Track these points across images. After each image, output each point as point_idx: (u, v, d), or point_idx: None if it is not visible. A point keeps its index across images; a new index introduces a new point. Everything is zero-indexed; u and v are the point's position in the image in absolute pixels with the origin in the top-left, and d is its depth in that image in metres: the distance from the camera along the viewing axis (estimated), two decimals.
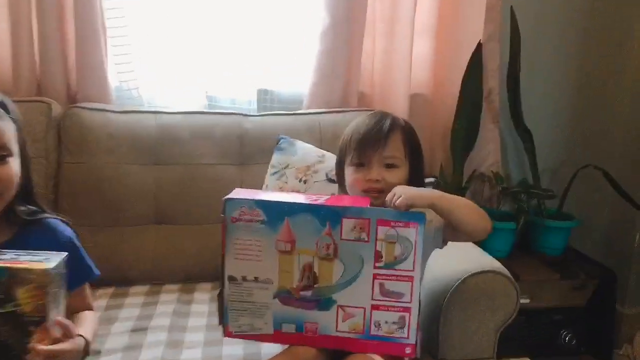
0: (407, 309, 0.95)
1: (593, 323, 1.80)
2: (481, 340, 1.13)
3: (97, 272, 1.08)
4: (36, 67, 1.56)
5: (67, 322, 0.87)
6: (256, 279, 0.96)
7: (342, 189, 1.15)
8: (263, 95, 1.77)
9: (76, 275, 0.97)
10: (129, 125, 1.49)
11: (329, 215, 0.93)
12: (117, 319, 1.25)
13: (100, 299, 1.34)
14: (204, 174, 1.49)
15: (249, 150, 1.54)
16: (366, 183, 1.04)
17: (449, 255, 1.17)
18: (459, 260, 1.18)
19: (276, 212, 0.94)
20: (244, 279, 0.97)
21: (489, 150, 1.85)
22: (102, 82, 1.57)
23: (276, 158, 1.47)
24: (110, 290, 1.40)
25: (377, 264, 0.93)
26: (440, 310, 1.11)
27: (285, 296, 0.97)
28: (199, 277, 1.45)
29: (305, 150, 1.47)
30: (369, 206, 0.96)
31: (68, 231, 1.04)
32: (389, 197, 0.95)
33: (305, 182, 1.40)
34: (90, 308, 1.07)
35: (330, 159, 1.43)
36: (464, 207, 0.98)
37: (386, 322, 0.96)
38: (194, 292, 1.40)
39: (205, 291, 1.40)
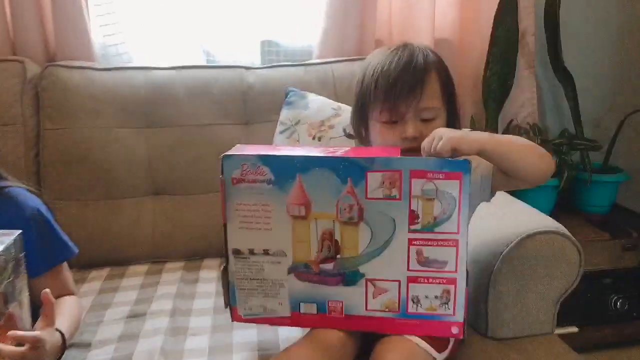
0: (452, 280, 0.79)
1: None
2: (538, 314, 0.96)
3: (74, 249, 0.92)
4: (8, 23, 1.39)
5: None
6: (266, 252, 0.83)
7: (363, 144, 0.97)
8: (267, 48, 1.59)
9: (47, 255, 0.81)
10: (115, 84, 1.32)
11: (350, 170, 0.77)
12: (111, 305, 1.10)
13: (92, 282, 1.20)
14: (204, 136, 1.33)
15: (254, 107, 1.37)
16: (401, 142, 0.86)
17: (497, 213, 1.00)
18: (510, 218, 1.00)
19: (286, 168, 0.79)
20: (252, 252, 0.83)
21: (524, 100, 1.66)
22: (83, 38, 1.40)
23: (285, 114, 1.29)
24: (105, 271, 1.25)
25: (412, 227, 0.78)
26: (490, 279, 0.94)
27: (302, 271, 0.83)
28: (204, 252, 1.30)
29: (319, 103, 1.29)
30: (399, 156, 0.78)
31: (34, 202, 0.87)
32: (426, 142, 0.77)
33: (320, 139, 1.22)
34: (70, 293, 0.90)
35: (348, 112, 1.24)
36: (520, 149, 0.80)
37: (427, 297, 0.81)
38: (199, 270, 1.25)
39: (213, 268, 1.26)
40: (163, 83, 1.34)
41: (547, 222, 0.96)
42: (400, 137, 0.86)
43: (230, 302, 0.88)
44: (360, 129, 0.95)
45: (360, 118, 0.93)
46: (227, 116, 1.36)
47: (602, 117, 1.80)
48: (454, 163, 0.74)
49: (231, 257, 0.85)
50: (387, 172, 0.76)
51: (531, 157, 0.80)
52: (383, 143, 0.89)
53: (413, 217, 0.77)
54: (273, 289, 0.86)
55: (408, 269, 0.79)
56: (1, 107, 1.24)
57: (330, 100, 1.30)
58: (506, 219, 1.00)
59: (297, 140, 1.25)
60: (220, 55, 1.54)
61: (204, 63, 1.51)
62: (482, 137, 0.78)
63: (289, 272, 0.83)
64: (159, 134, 1.32)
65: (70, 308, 0.87)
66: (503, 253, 0.93)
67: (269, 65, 1.46)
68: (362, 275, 0.82)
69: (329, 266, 0.83)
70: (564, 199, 1.67)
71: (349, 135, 1.20)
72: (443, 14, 1.60)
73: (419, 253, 0.79)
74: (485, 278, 0.95)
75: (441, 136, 0.75)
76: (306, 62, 1.47)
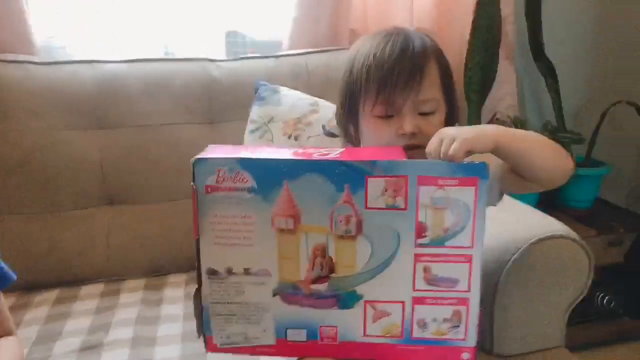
0: (463, 301, 0.69)
1: (632, 282, 1.58)
2: (547, 326, 0.88)
3: (10, 276, 0.76)
4: None
5: None
6: (247, 271, 0.71)
7: (351, 143, 0.85)
8: (232, 39, 1.45)
9: None
10: (59, 80, 1.17)
11: (347, 175, 0.65)
12: (60, 335, 0.95)
13: (39, 308, 1.04)
14: (163, 137, 1.19)
15: (220, 105, 1.24)
16: (398, 139, 0.76)
17: (497, 216, 0.89)
18: (514, 222, 0.91)
19: (270, 174, 0.67)
20: (230, 271, 0.71)
21: (505, 92, 1.58)
22: (21, 28, 1.22)
23: (256, 111, 1.16)
24: (54, 294, 1.09)
25: (419, 241, 0.67)
26: (494, 291, 0.84)
27: (289, 293, 0.71)
28: (168, 267, 1.17)
29: (293, 99, 1.17)
30: (405, 159, 0.67)
31: None
32: (433, 145, 0.67)
33: (296, 138, 1.10)
34: (7, 332, 0.74)
35: (326, 108, 1.13)
36: (537, 145, 0.71)
37: (434, 320, 0.70)
38: (163, 289, 1.11)
39: (179, 285, 1.12)
40: (114, 78, 1.19)
41: (555, 226, 0.88)
42: (396, 134, 0.76)
43: (204, 329, 0.75)
44: (348, 126, 0.83)
45: (349, 113, 0.82)
46: (190, 114, 1.22)
47: (584, 109, 1.75)
48: (470, 167, 0.64)
49: (205, 278, 0.72)
50: (390, 177, 0.64)
51: (549, 153, 0.70)
52: (377, 141, 0.78)
53: (421, 229, 0.66)
54: (255, 314, 0.74)
55: (414, 289, 0.69)
56: None
57: (306, 95, 1.18)
58: (510, 223, 0.91)
59: (271, 140, 1.12)
60: (180, 48, 1.40)
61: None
62: (495, 132, 0.68)
63: (274, 295, 0.71)
64: (111, 136, 1.17)
65: (9, 355, 0.71)
66: (509, 262, 0.84)
67: (236, 57, 1.33)
68: (360, 296, 0.70)
69: (321, 287, 0.71)
70: (546, 194, 1.60)
71: (329, 134, 1.08)
72: (421, 2, 1.50)
73: (426, 270, 0.68)
74: (490, 289, 0.85)
75: (453, 137, 0.64)
76: (277, 54, 1.34)
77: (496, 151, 0.67)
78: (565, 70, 1.64)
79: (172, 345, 0.91)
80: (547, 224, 0.89)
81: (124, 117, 1.18)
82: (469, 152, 0.64)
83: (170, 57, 1.34)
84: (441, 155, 0.65)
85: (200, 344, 0.76)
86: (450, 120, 0.80)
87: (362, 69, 0.77)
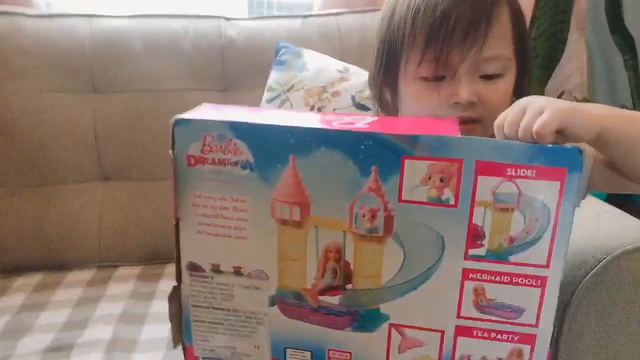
0: (528, 338, 0.51)
1: None
2: None
3: None
4: None
5: None
6: (238, 271, 0.56)
7: (386, 113, 0.68)
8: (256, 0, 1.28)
9: None
10: (52, 35, 1.02)
11: (377, 153, 0.48)
12: (30, 329, 0.81)
13: (15, 295, 0.91)
14: (169, 104, 1.04)
15: (235, 69, 1.08)
16: (449, 109, 0.59)
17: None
18: (591, 227, 0.71)
19: (273, 145, 0.51)
20: (216, 269, 0.57)
21: (573, 69, 1.35)
22: None
23: (275, 76, 0.99)
24: (36, 278, 0.97)
25: (472, 251, 0.49)
26: (564, 315, 0.65)
27: (291, 303, 0.56)
28: (167, 255, 1.01)
29: (319, 63, 0.99)
30: (459, 135, 0.48)
31: None
32: (508, 115, 0.48)
33: (319, 109, 0.92)
34: None
35: (358, 75, 0.95)
36: None
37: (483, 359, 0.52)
38: (159, 280, 0.97)
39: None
40: (115, 35, 1.04)
41: None
42: (447, 102, 0.59)
43: (183, 337, 0.61)
44: (384, 90, 0.66)
45: (386, 73, 0.64)
46: (200, 79, 1.06)
47: None
48: (558, 152, 0.44)
49: (185, 275, 0.58)
50: (437, 160, 0.46)
51: None
52: (420, 110, 0.61)
53: (475, 236, 0.47)
54: (247, 325, 0.59)
55: (459, 316, 0.51)
56: None
57: (335, 60, 1.00)
58: (586, 227, 0.70)
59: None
60: (197, 7, 1.24)
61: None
62: (600, 111, 0.48)
63: (271, 304, 0.56)
64: (109, 101, 1.03)
65: None
66: (584, 279, 0.64)
67: (256, 16, 1.16)
68: (385, 317, 0.53)
69: (333, 299, 0.55)
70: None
71: (359, 105, 0.90)
72: None
73: (478, 292, 0.49)
74: (558, 313, 0.65)
75: (541, 108, 0.45)
76: (304, 14, 1.16)
77: (601, 138, 0.48)
78: None
79: (154, 352, 0.76)
80: (636, 229, 0.68)
81: (124, 80, 1.03)
82: (561, 132, 0.45)
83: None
84: (520, 130, 0.45)
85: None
86: (521, 88, 0.62)
87: (406, 14, 0.59)
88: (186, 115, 0.53)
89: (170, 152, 0.53)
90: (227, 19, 1.11)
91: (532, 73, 0.65)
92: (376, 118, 0.54)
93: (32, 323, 0.82)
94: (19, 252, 0.98)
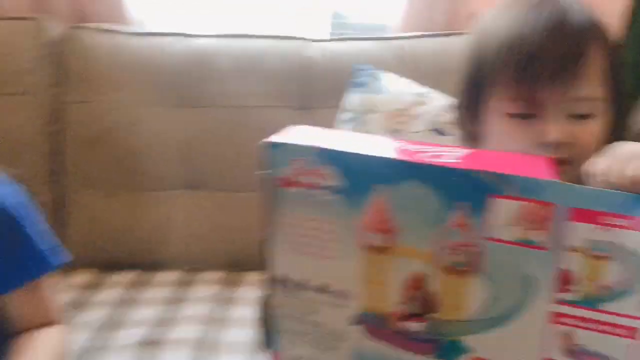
0: None
1: None
2: None
3: (57, 260, 0.66)
4: None
5: None
6: (324, 289, 0.57)
7: (470, 143, 0.68)
8: (338, 20, 1.33)
9: (14, 266, 0.59)
10: (148, 53, 1.10)
11: (465, 189, 0.48)
12: (125, 323, 0.90)
13: (110, 290, 1.00)
14: (252, 120, 1.10)
15: (314, 88, 1.12)
16: (536, 149, 0.58)
17: None
18: None
19: (362, 173, 0.51)
20: (303, 285, 0.58)
21: None
22: (117, 4, 1.18)
23: (353, 98, 1.03)
24: (129, 276, 1.05)
25: (561, 295, 0.49)
26: None
27: (373, 324, 0.56)
28: (247, 264, 1.07)
29: (397, 87, 1.01)
30: (553, 179, 0.49)
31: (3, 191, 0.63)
32: (603, 164, 0.48)
33: (397, 132, 0.95)
34: (51, 321, 0.66)
35: (436, 100, 0.97)
36: None
37: None
38: (239, 287, 1.03)
39: (256, 286, 1.02)
40: (206, 53, 1.11)
41: None
42: (535, 141, 0.57)
43: (270, 343, 0.64)
44: (468, 121, 0.65)
45: (470, 105, 0.64)
46: (281, 97, 1.11)
47: None
48: None
49: (274, 286, 0.61)
50: (530, 202, 0.48)
51: None
52: (505, 147, 0.60)
53: (565, 280, 0.49)
54: (330, 339, 0.60)
55: (545, 358, 0.52)
56: (12, 73, 1.05)
57: (414, 84, 1.02)
58: None
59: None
60: (282, 28, 1.30)
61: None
62: None
63: (355, 322, 0.58)
64: (197, 115, 1.09)
65: (45, 350, 0.63)
66: None
67: (335, 38, 1.20)
68: (467, 350, 0.54)
69: (415, 326, 0.56)
70: None
71: (437, 131, 0.92)
72: None
73: (566, 337, 0.50)
74: None
75: (637, 155, 0.46)
76: (382, 36, 1.20)
77: None
78: None
79: (238, 354, 0.82)
80: None
81: (212, 96, 1.10)
82: None
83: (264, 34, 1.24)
84: (617, 178, 0.46)
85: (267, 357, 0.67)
86: (616, 129, 0.60)
87: (495, 47, 0.58)
88: (278, 139, 0.56)
89: (260, 173, 0.56)
90: (308, 40, 1.16)
91: (629, 114, 0.64)
92: (463, 150, 0.54)
93: (126, 318, 0.91)
94: (114, 250, 1.06)
